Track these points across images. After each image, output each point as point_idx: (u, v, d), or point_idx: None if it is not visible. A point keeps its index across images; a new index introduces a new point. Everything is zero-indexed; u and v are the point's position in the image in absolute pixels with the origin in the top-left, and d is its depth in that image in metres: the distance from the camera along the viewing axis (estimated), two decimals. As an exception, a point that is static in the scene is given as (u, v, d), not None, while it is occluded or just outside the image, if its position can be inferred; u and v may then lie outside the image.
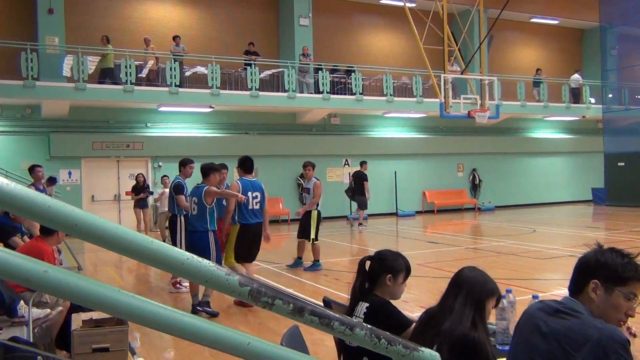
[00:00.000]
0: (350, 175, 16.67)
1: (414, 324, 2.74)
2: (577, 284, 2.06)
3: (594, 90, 22.73)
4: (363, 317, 2.84)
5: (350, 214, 16.14)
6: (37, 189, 8.88)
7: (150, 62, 16.74)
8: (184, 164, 8.22)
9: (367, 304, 2.88)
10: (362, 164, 16.10)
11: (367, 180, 15.66)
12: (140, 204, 13.64)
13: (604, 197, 21.64)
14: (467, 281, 2.48)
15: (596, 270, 2.00)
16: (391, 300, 3.00)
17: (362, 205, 15.75)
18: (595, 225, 15.88)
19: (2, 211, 7.21)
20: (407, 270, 3.01)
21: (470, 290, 2.45)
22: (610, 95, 22.84)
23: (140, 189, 13.65)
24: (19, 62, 14.11)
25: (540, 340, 2.00)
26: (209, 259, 4.58)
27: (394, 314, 2.84)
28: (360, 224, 15.78)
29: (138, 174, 14.11)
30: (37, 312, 4.53)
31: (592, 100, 22.46)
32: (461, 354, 2.29)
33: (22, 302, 4.53)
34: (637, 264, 2.00)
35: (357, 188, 15.72)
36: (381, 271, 2.95)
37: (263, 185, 7.58)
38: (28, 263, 1.01)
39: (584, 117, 22.55)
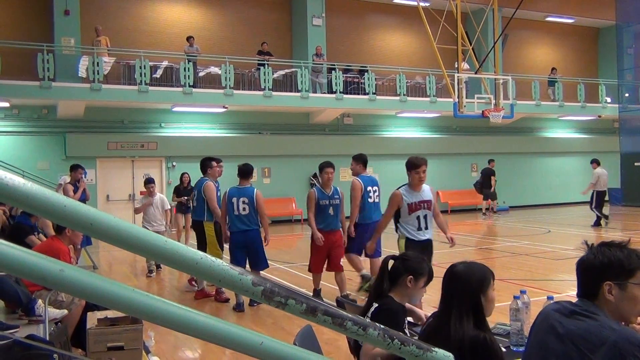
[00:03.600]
0: (480, 171, 19.10)
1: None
2: (590, 290, 2.03)
3: (611, 89, 22.47)
4: (370, 317, 2.82)
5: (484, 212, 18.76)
6: (74, 186, 9.70)
7: (163, 63, 16.82)
8: (210, 163, 7.73)
9: (376, 305, 2.87)
10: (490, 161, 18.40)
11: (494, 175, 18.12)
12: (182, 209, 11.66)
13: (620, 197, 21.36)
14: (456, 285, 2.41)
15: (604, 271, 1.99)
16: (408, 304, 2.98)
17: (490, 196, 18.26)
18: (611, 226, 15.68)
19: (21, 210, 7.31)
20: (430, 276, 2.98)
21: (462, 294, 2.38)
22: (626, 95, 22.55)
23: (183, 191, 11.61)
24: (36, 63, 14.28)
25: (555, 341, 1.99)
26: (264, 253, 6.04)
27: (396, 322, 2.75)
28: (486, 210, 18.35)
29: (183, 173, 11.96)
30: (54, 313, 4.57)
31: (608, 100, 22.18)
32: (473, 356, 2.26)
33: (39, 301, 4.58)
34: (636, 251, 2.00)
35: (485, 182, 18.16)
36: (403, 271, 2.93)
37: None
38: (44, 262, 1.02)
39: (599, 116, 22.29)
